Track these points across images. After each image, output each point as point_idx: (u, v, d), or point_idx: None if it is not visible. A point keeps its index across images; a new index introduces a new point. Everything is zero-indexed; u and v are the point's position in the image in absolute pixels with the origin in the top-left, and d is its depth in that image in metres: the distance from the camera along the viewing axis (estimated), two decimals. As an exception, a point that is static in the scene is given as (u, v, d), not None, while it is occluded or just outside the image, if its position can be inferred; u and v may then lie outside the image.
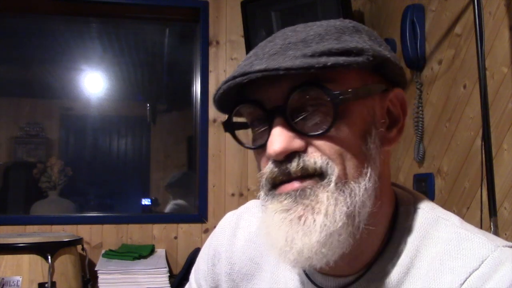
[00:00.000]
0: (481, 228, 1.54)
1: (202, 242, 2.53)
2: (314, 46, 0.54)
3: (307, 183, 0.55)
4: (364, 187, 0.56)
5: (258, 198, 0.73)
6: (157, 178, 5.06)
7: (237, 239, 0.75)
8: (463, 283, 0.54)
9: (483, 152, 1.38)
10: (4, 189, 4.48)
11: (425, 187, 1.92)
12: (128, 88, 5.01)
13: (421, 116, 1.96)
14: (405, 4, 2.05)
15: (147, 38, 4.23)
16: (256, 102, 0.58)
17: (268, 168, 0.57)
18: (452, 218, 0.62)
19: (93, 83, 4.77)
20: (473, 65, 1.61)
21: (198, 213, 2.59)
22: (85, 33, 4.02)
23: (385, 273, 0.59)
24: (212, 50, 2.67)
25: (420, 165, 1.99)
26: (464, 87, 1.73)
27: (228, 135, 2.91)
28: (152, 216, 3.44)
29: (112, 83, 4.81)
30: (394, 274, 0.59)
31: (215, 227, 0.81)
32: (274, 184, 0.58)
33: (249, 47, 2.35)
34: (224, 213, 0.81)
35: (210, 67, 2.66)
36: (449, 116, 1.81)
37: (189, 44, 3.15)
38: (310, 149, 0.56)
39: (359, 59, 0.54)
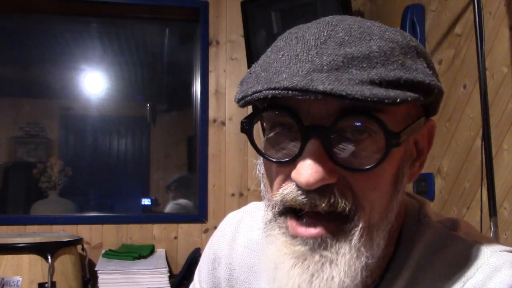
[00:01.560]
0: (481, 228, 1.53)
1: (202, 242, 2.53)
2: (379, 69, 0.47)
3: (328, 230, 0.49)
4: (382, 231, 0.52)
5: (260, 200, 0.70)
6: (157, 178, 5.06)
7: (237, 244, 0.73)
8: None
9: (483, 152, 1.38)
10: (4, 189, 4.49)
11: (425, 187, 1.92)
12: (128, 88, 5.01)
13: (421, 116, 1.96)
14: (405, 4, 2.06)
15: (147, 38, 4.23)
16: (291, 112, 0.49)
17: (291, 193, 0.50)
18: (453, 225, 0.60)
19: (93, 83, 4.77)
20: (473, 65, 1.61)
21: (198, 213, 2.59)
22: (85, 33, 4.03)
23: None
24: (212, 50, 2.67)
25: (420, 165, 1.99)
26: (464, 87, 1.73)
27: (228, 135, 2.88)
28: (152, 216, 3.44)
29: (112, 83, 4.81)
30: None
31: (215, 227, 0.81)
32: (286, 208, 0.52)
33: (249, 47, 2.35)
34: (224, 213, 0.80)
35: (210, 67, 2.66)
36: (449, 116, 1.81)
37: (189, 44, 3.16)
38: (341, 183, 0.49)
39: (425, 98, 0.49)
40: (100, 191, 4.93)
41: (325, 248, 0.49)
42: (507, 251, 0.55)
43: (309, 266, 0.49)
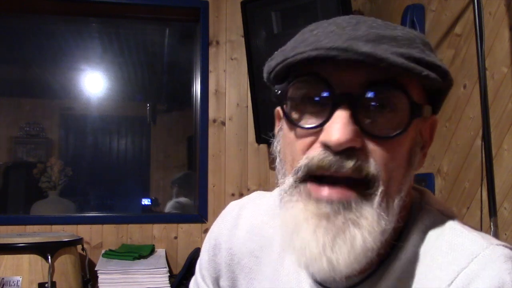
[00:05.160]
0: (481, 228, 1.53)
1: (202, 242, 2.52)
2: (406, 48, 0.52)
3: (352, 194, 0.52)
4: (397, 204, 0.55)
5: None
6: (157, 178, 5.06)
7: (238, 229, 0.73)
8: (451, 282, 0.53)
9: (483, 152, 1.38)
10: (4, 189, 4.48)
11: (425, 187, 1.92)
12: (128, 88, 5.01)
13: (421, 116, 1.96)
14: (405, 4, 2.06)
15: (147, 38, 4.23)
16: (325, 80, 0.53)
17: (319, 155, 0.52)
18: (452, 214, 0.61)
19: (93, 83, 4.77)
20: (473, 65, 1.61)
21: (198, 213, 2.59)
22: (85, 33, 4.03)
23: (390, 273, 0.58)
24: (212, 50, 2.67)
25: (420, 165, 1.99)
26: (464, 87, 1.73)
27: (228, 135, 2.87)
28: (152, 216, 3.44)
29: (112, 83, 4.81)
30: (397, 273, 0.58)
31: (215, 226, 0.81)
32: (309, 175, 0.54)
33: (249, 47, 2.35)
34: (224, 213, 0.80)
35: (210, 67, 2.66)
36: (449, 116, 1.81)
37: (189, 44, 3.15)
38: (365, 150, 0.53)
39: (443, 81, 0.54)
40: (100, 191, 4.93)
41: (349, 210, 0.52)
42: (503, 245, 0.56)
43: (333, 226, 0.52)
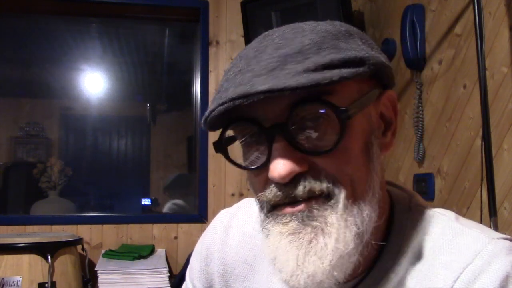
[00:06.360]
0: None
1: (202, 242, 2.53)
2: (313, 57, 0.51)
3: (313, 203, 0.53)
4: (369, 202, 0.55)
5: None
6: (157, 178, 5.06)
7: (229, 238, 0.73)
8: (457, 279, 0.54)
9: (483, 152, 1.38)
10: (4, 189, 4.48)
11: (425, 187, 1.92)
12: (128, 88, 5.00)
13: (421, 116, 1.96)
14: (405, 4, 2.05)
15: (147, 38, 4.23)
16: (252, 120, 0.54)
17: (271, 192, 0.55)
18: (447, 213, 0.62)
19: (93, 83, 4.77)
20: (473, 65, 1.61)
21: (198, 213, 2.59)
22: (85, 33, 4.03)
23: (384, 274, 0.59)
24: (212, 50, 2.67)
25: (420, 165, 1.99)
26: (464, 87, 1.73)
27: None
28: (152, 216, 3.44)
29: (112, 83, 4.81)
30: (393, 274, 0.58)
31: (214, 227, 0.81)
32: (275, 205, 0.56)
33: (249, 47, 2.35)
34: (224, 213, 0.80)
35: (210, 67, 2.66)
36: (449, 116, 1.81)
37: (189, 44, 3.16)
38: (315, 169, 0.53)
39: (361, 69, 0.52)
40: (100, 191, 4.93)
41: (314, 219, 0.53)
42: (503, 238, 0.57)
43: (303, 238, 0.53)
